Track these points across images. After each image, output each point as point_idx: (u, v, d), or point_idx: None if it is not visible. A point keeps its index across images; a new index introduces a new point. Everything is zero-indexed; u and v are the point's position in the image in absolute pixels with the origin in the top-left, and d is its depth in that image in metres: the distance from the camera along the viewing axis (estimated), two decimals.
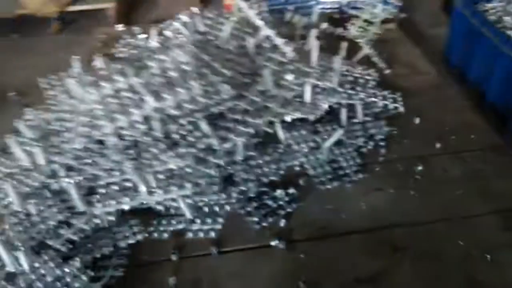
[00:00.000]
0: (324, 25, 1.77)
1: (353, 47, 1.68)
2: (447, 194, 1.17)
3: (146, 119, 1.01)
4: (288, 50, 1.23)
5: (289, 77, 1.20)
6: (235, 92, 1.07)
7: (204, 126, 1.04)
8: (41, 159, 1.04)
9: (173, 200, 1.03)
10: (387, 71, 1.62)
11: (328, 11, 2.10)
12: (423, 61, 1.73)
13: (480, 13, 1.72)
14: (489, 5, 1.83)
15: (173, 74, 1.03)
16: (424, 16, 2.35)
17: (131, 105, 1.01)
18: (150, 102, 0.99)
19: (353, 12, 1.93)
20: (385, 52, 1.74)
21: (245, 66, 1.22)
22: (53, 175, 1.04)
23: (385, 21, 1.87)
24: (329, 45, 1.73)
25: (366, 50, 1.66)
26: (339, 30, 1.79)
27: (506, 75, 1.54)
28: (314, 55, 1.28)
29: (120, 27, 1.90)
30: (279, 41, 1.24)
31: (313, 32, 1.43)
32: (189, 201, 1.01)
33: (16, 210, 1.02)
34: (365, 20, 1.84)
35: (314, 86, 1.24)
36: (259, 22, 1.26)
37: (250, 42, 1.24)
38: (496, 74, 1.60)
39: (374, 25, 1.81)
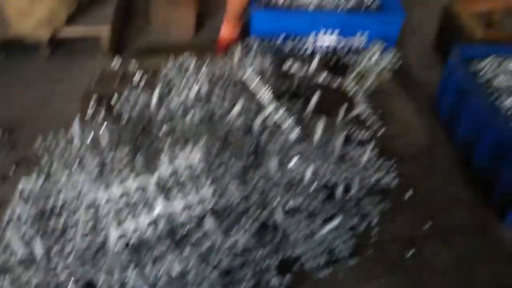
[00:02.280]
0: (321, 77, 1.74)
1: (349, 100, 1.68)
2: (435, 285, 1.19)
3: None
4: (294, 133, 1.20)
5: (293, 163, 1.18)
6: (244, 191, 1.05)
7: (210, 223, 1.01)
8: (39, 250, 1.00)
9: None
10: (381, 131, 1.62)
11: (326, 53, 2.05)
12: (415, 117, 1.73)
13: (472, 75, 1.72)
14: (483, 64, 1.83)
15: (184, 173, 1.00)
16: (416, 56, 2.33)
17: (140, 207, 0.97)
18: (161, 206, 0.96)
19: (349, 60, 1.90)
20: (379, 106, 1.73)
21: (249, 146, 1.19)
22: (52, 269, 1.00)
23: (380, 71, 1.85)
24: (326, 98, 1.72)
25: (361, 107, 1.65)
26: (336, 82, 1.77)
27: (492, 146, 1.55)
28: (318, 134, 1.26)
29: (115, 62, 1.81)
30: (286, 123, 1.20)
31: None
32: None
33: None
34: (360, 71, 1.82)
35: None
36: (265, 99, 1.22)
37: (256, 121, 1.20)
38: (482, 142, 1.61)
39: (370, 76, 1.80)
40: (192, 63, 1.59)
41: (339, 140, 1.25)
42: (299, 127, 1.23)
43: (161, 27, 2.35)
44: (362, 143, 1.45)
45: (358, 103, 1.68)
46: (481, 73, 1.78)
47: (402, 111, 1.74)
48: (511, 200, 1.49)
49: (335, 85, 1.77)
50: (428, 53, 2.34)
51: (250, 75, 1.27)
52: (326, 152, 1.26)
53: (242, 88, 1.33)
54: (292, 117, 1.23)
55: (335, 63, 1.95)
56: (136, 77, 1.67)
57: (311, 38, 2.01)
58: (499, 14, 2.27)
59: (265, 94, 1.24)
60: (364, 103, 1.69)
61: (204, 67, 1.53)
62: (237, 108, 1.20)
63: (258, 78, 1.24)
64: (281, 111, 1.21)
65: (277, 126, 1.24)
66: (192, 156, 0.99)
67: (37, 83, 1.95)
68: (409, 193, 1.41)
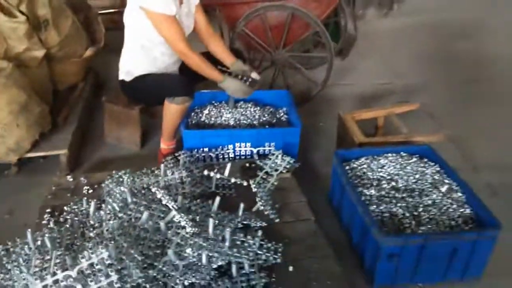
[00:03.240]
0: (233, 179, 2.21)
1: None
2: None
3: None
4: (189, 229, 1.64)
5: (188, 250, 1.59)
6: (143, 274, 1.45)
7: None
8: None
9: None
10: (277, 220, 2.05)
11: (243, 157, 2.55)
12: (307, 208, 2.17)
13: (346, 173, 2.21)
14: (357, 163, 2.34)
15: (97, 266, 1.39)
16: (320, 154, 2.85)
17: None
18: None
19: (260, 163, 2.38)
20: (278, 201, 2.18)
21: (157, 241, 1.61)
22: None
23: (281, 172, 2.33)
24: (237, 195, 2.18)
25: (259, 203, 2.09)
26: (246, 182, 2.23)
27: (359, 227, 2.00)
28: (210, 229, 1.69)
29: (69, 177, 2.25)
30: (183, 222, 1.64)
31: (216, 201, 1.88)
32: None
33: None
34: (266, 172, 2.29)
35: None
36: (171, 206, 1.67)
37: (161, 223, 1.64)
38: (354, 225, 2.06)
39: (273, 177, 2.26)
40: (126, 176, 2.05)
41: (227, 231, 1.67)
42: (194, 224, 1.65)
43: (114, 143, 2.85)
44: (256, 231, 1.87)
45: (260, 198, 2.12)
46: (355, 171, 2.28)
47: (296, 203, 2.19)
48: (375, 268, 1.91)
49: (245, 184, 2.23)
50: (331, 151, 2.85)
51: (157, 190, 1.71)
52: (219, 241, 1.68)
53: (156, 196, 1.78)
54: (190, 217, 1.66)
55: (249, 166, 2.43)
56: (84, 191, 2.11)
57: (230, 149, 2.51)
58: (384, 119, 2.85)
59: (170, 201, 1.68)
60: (265, 198, 2.13)
61: (132, 179, 1.99)
62: (146, 214, 1.63)
63: (162, 191, 1.69)
64: (178, 215, 1.65)
65: (180, 225, 1.66)
66: (104, 252, 1.39)
67: (6, 196, 2.36)
68: (290, 268, 1.80)
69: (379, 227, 1.88)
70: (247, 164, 2.44)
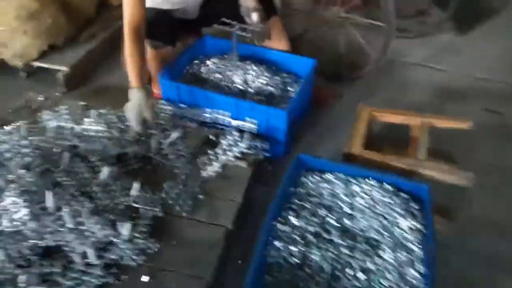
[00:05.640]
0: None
1: None
2: None
3: None
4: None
5: None
6: None
7: None
8: None
9: None
10: (184, 214, 1.67)
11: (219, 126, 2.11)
12: (232, 211, 1.70)
13: (285, 186, 1.66)
14: (318, 178, 1.74)
15: None
16: (327, 148, 2.25)
17: None
18: None
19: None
20: (207, 191, 1.76)
21: None
22: None
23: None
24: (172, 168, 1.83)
25: (165, 186, 1.72)
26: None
27: None
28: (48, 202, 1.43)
29: (40, 96, 2.18)
30: None
31: None
32: None
33: None
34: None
35: None
36: None
37: None
38: None
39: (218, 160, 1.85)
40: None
41: (66, 212, 1.41)
42: None
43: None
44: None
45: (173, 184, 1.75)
46: (309, 188, 1.70)
47: (224, 202, 1.73)
48: None
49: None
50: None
51: None
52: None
53: None
54: None
55: (213, 138, 2.00)
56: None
57: (207, 112, 2.09)
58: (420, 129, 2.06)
59: None
60: (190, 183, 1.75)
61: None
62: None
63: None
64: None
65: None
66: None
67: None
68: (145, 278, 1.45)
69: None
70: (211, 136, 2.02)
